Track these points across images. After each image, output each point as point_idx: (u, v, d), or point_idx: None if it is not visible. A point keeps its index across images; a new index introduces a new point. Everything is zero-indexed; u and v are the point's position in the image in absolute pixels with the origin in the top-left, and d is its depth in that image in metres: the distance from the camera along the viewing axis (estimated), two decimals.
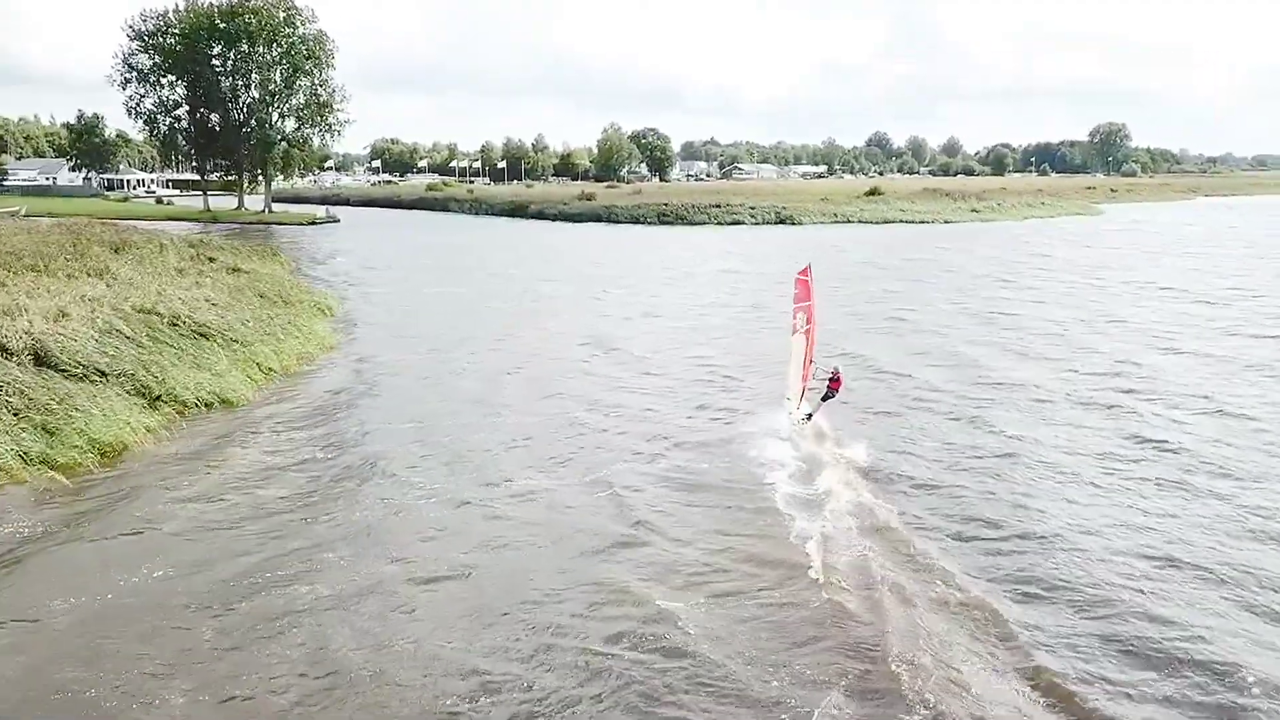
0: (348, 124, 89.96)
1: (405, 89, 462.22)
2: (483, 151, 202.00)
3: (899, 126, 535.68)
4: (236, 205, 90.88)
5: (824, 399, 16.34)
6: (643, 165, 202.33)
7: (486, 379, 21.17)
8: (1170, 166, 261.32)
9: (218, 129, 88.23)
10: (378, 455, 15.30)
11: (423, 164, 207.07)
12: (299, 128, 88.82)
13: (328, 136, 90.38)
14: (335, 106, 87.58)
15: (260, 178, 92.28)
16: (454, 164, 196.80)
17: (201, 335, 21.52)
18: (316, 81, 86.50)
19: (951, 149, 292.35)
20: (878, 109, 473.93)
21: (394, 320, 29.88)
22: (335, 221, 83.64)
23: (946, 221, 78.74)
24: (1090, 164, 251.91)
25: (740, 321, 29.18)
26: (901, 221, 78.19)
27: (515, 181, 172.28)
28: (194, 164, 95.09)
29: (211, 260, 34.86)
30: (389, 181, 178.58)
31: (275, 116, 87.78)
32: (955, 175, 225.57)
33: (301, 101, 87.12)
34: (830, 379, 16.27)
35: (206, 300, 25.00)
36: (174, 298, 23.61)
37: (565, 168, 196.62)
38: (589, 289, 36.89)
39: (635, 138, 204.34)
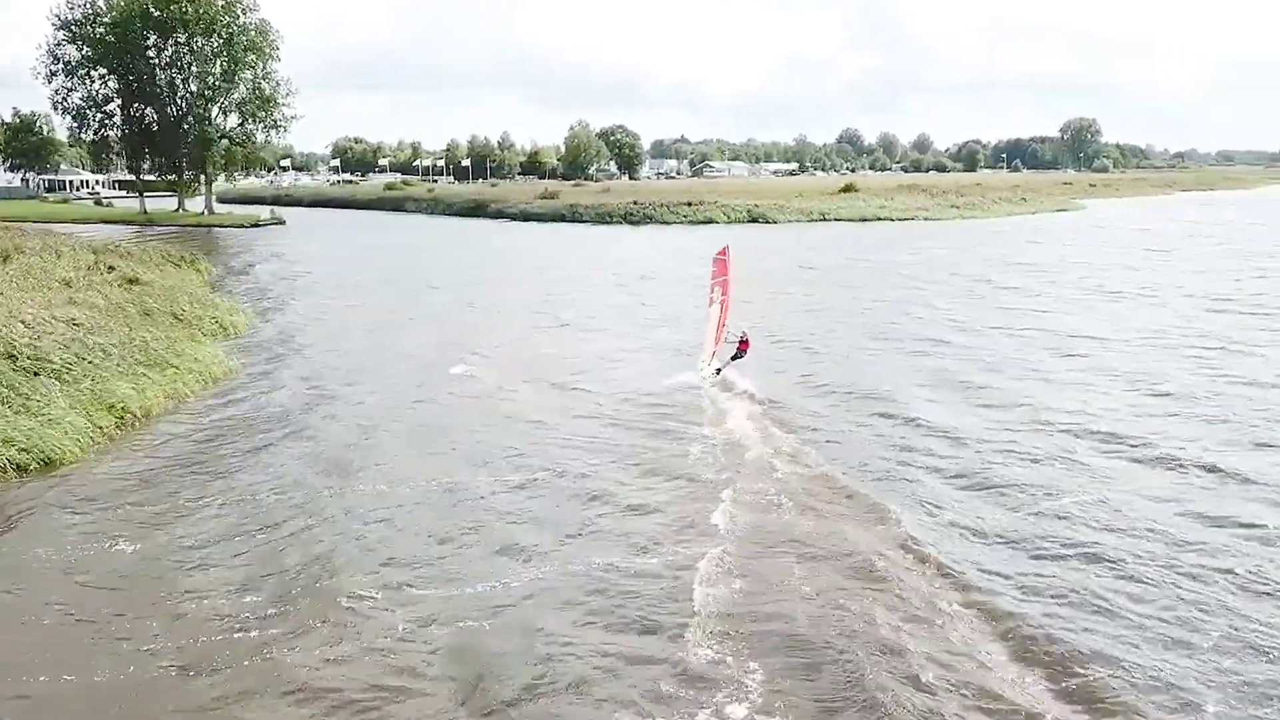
0: (294, 119, 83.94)
1: (370, 83, 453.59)
2: (448, 150, 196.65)
3: (864, 119, 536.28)
4: (176, 207, 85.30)
5: (733, 358, 18.89)
6: (611, 163, 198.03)
7: (400, 426, 16.75)
8: (1139, 162, 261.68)
9: (154, 126, 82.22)
10: (187, 561, 10.84)
11: (384, 163, 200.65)
12: (242, 123, 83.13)
13: (273, 132, 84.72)
14: (280, 101, 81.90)
15: (202, 177, 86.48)
16: (417, 163, 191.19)
17: (42, 370, 17.07)
18: (259, 74, 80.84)
19: (922, 145, 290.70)
20: (843, 102, 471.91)
21: (305, 338, 25.34)
22: (280, 223, 77.97)
23: (929, 219, 74.99)
24: (1061, 160, 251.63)
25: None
26: (882, 219, 74.18)
27: (480, 180, 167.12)
28: (128, 163, 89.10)
29: (110, 269, 30.43)
30: (349, 181, 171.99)
31: (215, 112, 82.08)
32: (927, 172, 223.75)
33: (244, 95, 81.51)
34: (740, 342, 18.79)
35: (70, 320, 20.65)
36: (23, 319, 19.36)
37: (532, 166, 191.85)
38: (525, 308, 32.53)
39: (604, 135, 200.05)
